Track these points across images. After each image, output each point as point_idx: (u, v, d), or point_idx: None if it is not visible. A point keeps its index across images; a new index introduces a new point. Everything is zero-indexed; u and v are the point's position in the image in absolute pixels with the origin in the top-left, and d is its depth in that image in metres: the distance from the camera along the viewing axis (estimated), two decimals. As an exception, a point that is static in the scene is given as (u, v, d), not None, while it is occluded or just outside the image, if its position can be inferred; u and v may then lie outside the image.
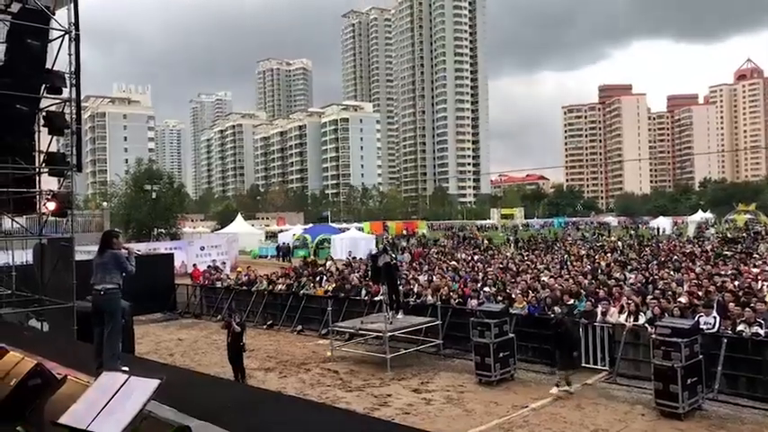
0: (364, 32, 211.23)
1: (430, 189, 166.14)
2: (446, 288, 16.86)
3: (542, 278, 18.56)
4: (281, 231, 61.91)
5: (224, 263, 30.82)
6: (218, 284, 23.29)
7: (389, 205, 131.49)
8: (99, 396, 3.11)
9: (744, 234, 43.62)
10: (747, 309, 11.99)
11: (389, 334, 13.86)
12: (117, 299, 7.09)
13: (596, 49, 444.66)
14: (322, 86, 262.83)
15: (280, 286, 20.72)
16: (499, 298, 15.38)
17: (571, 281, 16.93)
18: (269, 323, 19.66)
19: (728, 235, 42.65)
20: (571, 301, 14.21)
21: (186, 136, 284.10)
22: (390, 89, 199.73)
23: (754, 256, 25.96)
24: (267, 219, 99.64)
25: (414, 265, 25.65)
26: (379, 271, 15.13)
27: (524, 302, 14.81)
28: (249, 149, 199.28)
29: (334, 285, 19.51)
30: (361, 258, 29.50)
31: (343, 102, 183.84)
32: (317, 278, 21.54)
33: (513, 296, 15.41)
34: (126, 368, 5.35)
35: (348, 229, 56.23)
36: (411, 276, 20.09)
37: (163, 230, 45.64)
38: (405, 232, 67.57)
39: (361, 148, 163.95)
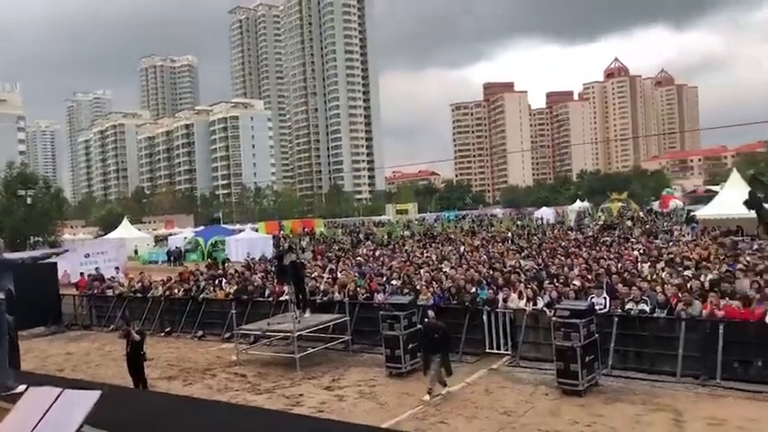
0: (252, 29, 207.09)
1: (325, 187, 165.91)
2: (352, 284, 16.89)
3: (444, 269, 19.04)
4: (171, 235, 59.42)
5: (117, 269, 29.07)
6: (110, 293, 21.96)
7: (284, 204, 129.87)
8: (26, 416, 2.79)
9: (618, 220, 46.98)
10: (633, 288, 12.91)
11: (298, 333, 13.67)
12: (2, 311, 6.51)
13: (479, 47, 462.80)
14: (209, 84, 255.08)
15: (177, 291, 19.86)
16: (405, 290, 15.59)
17: (471, 270, 17.47)
18: (167, 330, 18.81)
19: (606, 221, 45.81)
20: (474, 290, 14.68)
21: (61, 137, 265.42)
22: (281, 86, 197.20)
23: (631, 240, 28.03)
24: (155, 222, 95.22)
25: (318, 262, 25.47)
26: (284, 270, 14.89)
27: (429, 293, 15.11)
28: (132, 150, 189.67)
29: (235, 288, 18.96)
30: (266, 258, 28.90)
31: (232, 99, 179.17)
32: (217, 281, 20.85)
33: (419, 288, 15.68)
34: (23, 386, 4.92)
35: (243, 230, 54.92)
36: (316, 274, 19.93)
37: (40, 239, 42.42)
38: (303, 231, 66.96)
39: (253, 146, 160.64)
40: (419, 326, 13.14)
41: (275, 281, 17.99)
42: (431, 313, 12.21)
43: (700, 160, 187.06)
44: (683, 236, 29.39)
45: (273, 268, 20.23)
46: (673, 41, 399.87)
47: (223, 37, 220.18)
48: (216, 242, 46.46)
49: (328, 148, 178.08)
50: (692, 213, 37.47)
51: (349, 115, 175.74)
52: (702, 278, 14.29)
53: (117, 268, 29.34)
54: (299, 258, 17.39)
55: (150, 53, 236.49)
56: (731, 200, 28.25)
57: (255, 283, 19.10)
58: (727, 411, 9.46)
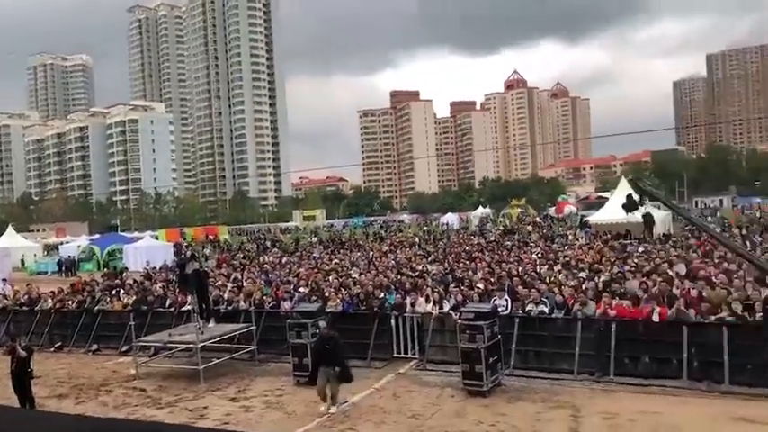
0: (153, 29, 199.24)
1: (230, 193, 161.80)
2: (258, 292, 16.53)
3: (352, 275, 19.04)
4: (63, 244, 55.81)
5: (4, 280, 26.97)
6: (-9, 306, 20.27)
7: (186, 211, 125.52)
8: None
9: (517, 226, 48.92)
10: (533, 290, 13.45)
11: (201, 344, 13.20)
12: None
13: (386, 55, 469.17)
14: (106, 86, 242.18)
15: (70, 303, 18.65)
16: (313, 297, 15.45)
17: (380, 275, 17.58)
18: (57, 345, 17.59)
19: (508, 227, 47.55)
20: (382, 295, 14.76)
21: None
22: (183, 89, 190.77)
23: (530, 244, 29.24)
24: (44, 230, 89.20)
25: (222, 271, 24.76)
26: (187, 279, 14.33)
27: (338, 300, 15.05)
28: (19, 153, 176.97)
29: (134, 298, 18.06)
30: (167, 266, 27.71)
31: (130, 102, 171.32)
32: (114, 291, 19.77)
33: (327, 294, 15.57)
34: None
35: (142, 238, 52.50)
36: (220, 283, 19.34)
37: None
38: (206, 238, 64.88)
39: (153, 150, 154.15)
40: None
41: (177, 290, 17.30)
42: (322, 324, 11.73)
43: (591, 169, 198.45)
44: (578, 240, 31.00)
45: (175, 277, 19.45)
46: (567, 55, 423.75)
47: (121, 37, 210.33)
48: (113, 251, 44.17)
49: (233, 153, 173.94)
50: (585, 218, 39.58)
51: (254, 120, 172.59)
52: (596, 280, 15.09)
53: (4, 280, 27.23)
54: (202, 267, 16.80)
55: (40, 51, 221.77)
56: (620, 206, 30.12)
57: (156, 293, 18.30)
58: (620, 405, 10.02)
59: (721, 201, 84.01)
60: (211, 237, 65.93)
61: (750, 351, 10.45)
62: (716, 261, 16.72)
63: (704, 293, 12.28)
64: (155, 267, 30.25)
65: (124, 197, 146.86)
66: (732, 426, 8.86)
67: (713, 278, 13.82)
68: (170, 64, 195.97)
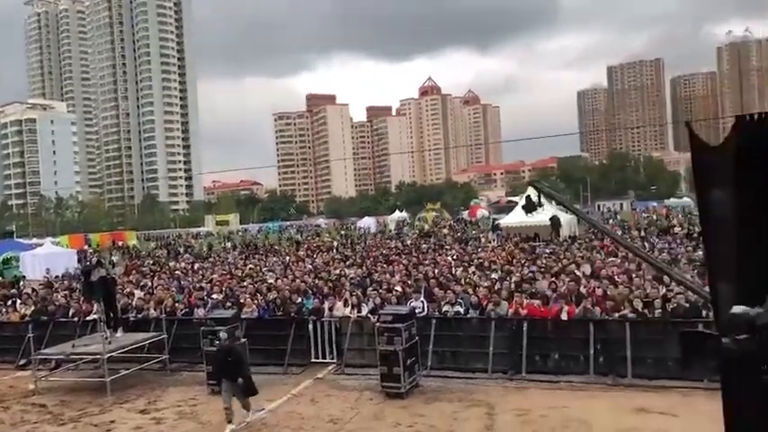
0: (53, 24, 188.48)
1: (138, 197, 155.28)
2: (170, 299, 15.94)
3: (268, 280, 18.73)
4: (-50, 251, 51.54)
5: None
6: None
7: (91, 216, 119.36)
8: None
9: (434, 229, 49.85)
10: (449, 291, 13.72)
11: (108, 355, 12.55)
12: None
13: (302, 58, 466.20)
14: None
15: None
16: (228, 304, 15.06)
17: (297, 280, 17.39)
18: (-56, 361, 16.23)
19: (424, 230, 48.35)
20: (299, 300, 14.61)
21: None
22: (88, 88, 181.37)
23: (445, 247, 29.84)
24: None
25: (130, 278, 23.69)
26: (93, 287, 13.59)
27: (253, 306, 14.75)
28: None
29: (33, 308, 16.95)
30: (70, 274, 26.17)
31: (28, 100, 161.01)
32: (10, 302, 18.48)
33: (242, 300, 15.23)
34: None
35: (41, 245, 49.37)
36: (128, 290, 18.50)
37: None
38: (112, 244, 61.90)
39: (54, 152, 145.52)
40: (243, 339, 12.78)
41: (82, 299, 16.39)
42: (223, 335, 10.94)
43: (502, 174, 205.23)
44: (490, 242, 31.94)
45: (80, 285, 18.42)
46: (478, 64, 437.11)
47: (17, 31, 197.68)
48: (8, 258, 41.23)
49: (141, 156, 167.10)
50: (497, 222, 40.83)
51: (165, 121, 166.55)
52: (508, 280, 15.59)
53: None
54: (109, 274, 16.00)
55: None
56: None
57: (57, 303, 17.25)
58: (532, 401, 10.38)
59: (621, 204, 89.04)
60: (119, 243, 63.02)
61: (650, 345, 11.10)
62: (618, 261, 17.68)
63: (608, 292, 12.96)
64: (57, 276, 28.55)
65: (21, 201, 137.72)
66: (634, 416, 9.37)
67: (616, 277, 14.62)
68: (72, 61, 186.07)
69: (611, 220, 48.78)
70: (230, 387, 9.96)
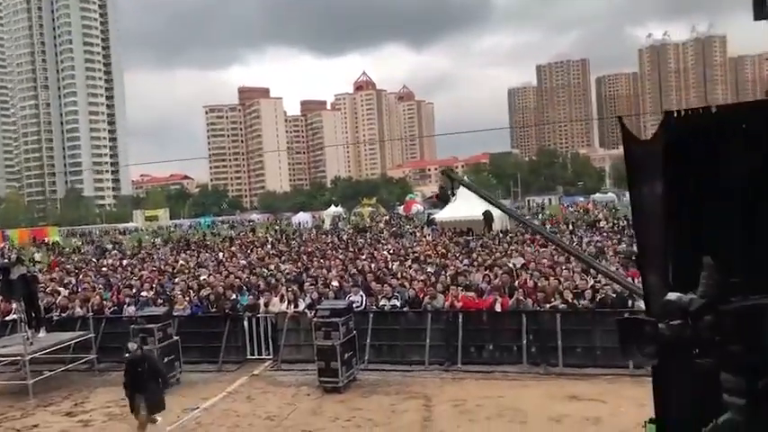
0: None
1: (61, 191, 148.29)
2: (97, 297, 15.32)
3: (201, 277, 18.30)
4: None
5: None
6: None
7: (9, 211, 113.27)
8: None
9: (371, 224, 50.02)
10: (386, 285, 13.79)
11: (30, 356, 11.95)
12: None
13: (233, 50, 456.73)
14: None
15: None
16: (159, 301, 14.62)
17: (231, 276, 17.07)
18: None
19: (360, 225, 48.43)
20: (234, 296, 14.35)
21: None
22: (3, 76, 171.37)
23: (381, 241, 29.99)
24: None
25: (53, 275, 22.60)
26: (12, 285, 12.88)
27: (185, 302, 14.39)
28: None
29: (-55, 309, 15.91)
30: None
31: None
32: None
33: (174, 298, 14.82)
34: None
35: (-46, 241, 46.53)
36: (52, 288, 17.65)
37: None
38: (33, 241, 58.96)
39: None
40: (176, 337, 12.47)
41: (1, 298, 15.52)
42: (132, 345, 9.65)
43: (436, 169, 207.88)
44: (426, 236, 32.31)
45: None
46: (413, 60, 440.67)
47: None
48: None
49: (64, 149, 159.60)
50: (432, 216, 41.35)
51: (89, 112, 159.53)
52: (443, 273, 15.81)
53: None
54: (29, 271, 15.23)
55: None
56: (462, 204, 31.81)
57: (-28, 303, 16.25)
58: (467, 392, 10.59)
59: (550, 200, 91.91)
60: (40, 239, 60.11)
61: (580, 335, 11.53)
62: (548, 254, 18.23)
63: (539, 284, 13.35)
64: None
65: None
66: (565, 403, 9.72)
67: (546, 269, 15.07)
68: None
69: (539, 215, 50.28)
70: (141, 400, 9.07)
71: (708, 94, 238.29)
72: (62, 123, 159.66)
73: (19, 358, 12.16)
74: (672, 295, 1.90)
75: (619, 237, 24.23)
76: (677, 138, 2.85)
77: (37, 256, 37.00)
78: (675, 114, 2.87)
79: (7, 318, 14.58)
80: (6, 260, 17.00)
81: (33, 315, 13.26)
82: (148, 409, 9.08)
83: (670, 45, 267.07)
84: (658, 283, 2.98)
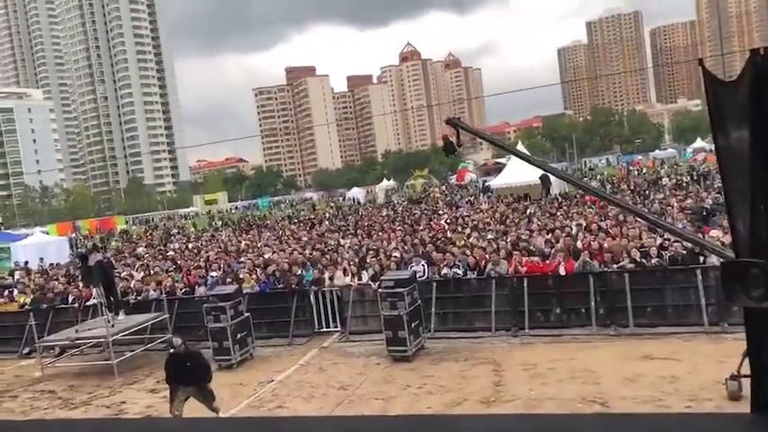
0: (20, 10, 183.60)
1: (123, 181, 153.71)
2: (169, 279, 15.93)
3: (265, 255, 18.74)
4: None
5: None
6: None
7: (77, 203, 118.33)
8: None
9: (423, 195, 49.92)
10: (447, 254, 13.80)
11: (112, 338, 12.59)
12: None
13: (275, 30, 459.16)
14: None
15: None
16: (228, 280, 15.08)
17: (296, 252, 17.42)
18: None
19: (413, 197, 48.44)
20: (299, 272, 14.65)
21: None
22: (63, 74, 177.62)
23: (438, 212, 29.93)
24: None
25: (127, 261, 23.63)
26: (90, 271, 13.54)
27: (253, 280, 14.79)
28: None
29: (31, 297, 16.89)
30: (68, 261, 25.97)
31: (2, 89, 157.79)
32: (7, 292, 18.40)
33: (242, 276, 15.26)
34: None
35: (30, 235, 48.97)
36: (125, 273, 18.47)
37: None
38: (99, 230, 61.55)
39: (34, 141, 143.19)
40: (246, 314, 12.84)
41: (81, 284, 16.35)
42: (176, 341, 9.36)
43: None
44: (482, 204, 32.04)
45: (77, 271, 18.37)
46: (457, 24, 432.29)
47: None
48: (-1, 249, 40.88)
49: (123, 140, 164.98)
50: (487, 183, 40.92)
51: (144, 102, 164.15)
52: (505, 239, 15.69)
53: None
54: (105, 257, 15.95)
55: None
56: (517, 170, 31.32)
57: (56, 290, 17.20)
58: (537, 356, 10.54)
59: (608, 159, 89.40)
60: (108, 228, 62.65)
61: (649, 294, 11.27)
62: (612, 214, 17.80)
63: (605, 245, 13.08)
64: (53, 264, 28.40)
65: (5, 192, 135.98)
66: (638, 363, 9.55)
67: (610, 230, 14.75)
68: (44, 46, 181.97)
69: (596, 177, 48.97)
70: (185, 395, 8.88)
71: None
72: (120, 116, 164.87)
73: (102, 340, 12.81)
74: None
75: (684, 193, 23.41)
76: (764, 76, 2.73)
77: (114, 244, 38.59)
78: (762, 51, 2.74)
79: (88, 303, 15.32)
80: (83, 249, 17.82)
81: (112, 299, 13.90)
82: (204, 401, 8.87)
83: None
84: (749, 227, 2.88)
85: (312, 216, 39.71)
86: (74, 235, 54.02)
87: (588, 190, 9.95)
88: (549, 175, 29.57)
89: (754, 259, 1.87)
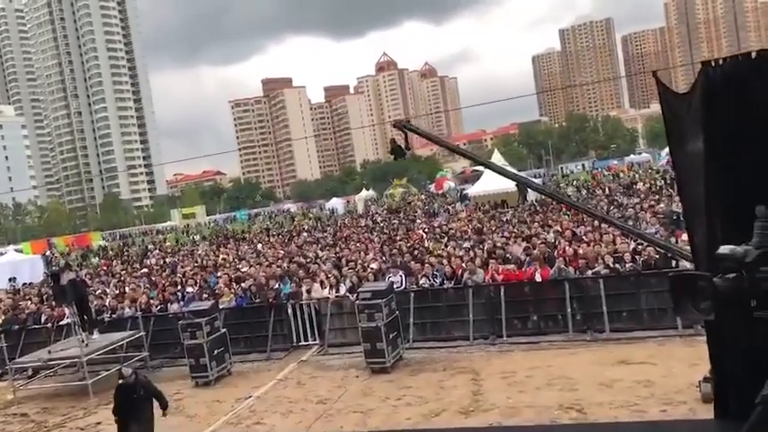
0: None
1: (99, 197, 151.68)
2: (144, 296, 15.71)
3: (242, 269, 18.60)
4: None
5: None
6: None
7: (52, 220, 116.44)
8: None
9: (402, 204, 49.99)
10: (425, 264, 13.81)
11: (87, 357, 12.36)
12: None
13: (252, 42, 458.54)
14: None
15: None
16: (204, 295, 14.92)
17: (272, 266, 17.31)
18: None
19: (391, 206, 48.47)
20: (276, 285, 14.55)
21: None
22: (35, 89, 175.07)
23: (416, 221, 29.97)
24: None
25: (101, 279, 23.28)
26: (63, 290, 13.29)
27: (230, 295, 14.66)
28: None
29: (2, 318, 16.55)
30: (41, 281, 25.53)
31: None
32: (-23, 313, 18.00)
33: (218, 291, 15.12)
34: None
35: (3, 253, 48.05)
36: (100, 291, 18.18)
37: None
38: (73, 246, 60.57)
39: (6, 158, 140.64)
40: (223, 330, 12.70)
41: (53, 304, 16.05)
42: (126, 370, 8.80)
43: (464, 144, 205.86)
44: (459, 212, 32.18)
45: (49, 290, 18.03)
46: (433, 34, 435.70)
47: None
48: (-30, 270, 40.00)
49: (98, 155, 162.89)
50: (465, 192, 41.12)
51: (119, 117, 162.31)
52: (481, 248, 15.74)
53: None
54: (78, 276, 15.68)
55: None
56: (494, 177, 31.51)
57: (28, 310, 16.86)
58: (515, 364, 10.57)
59: (583, 165, 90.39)
60: (83, 245, 61.70)
61: (624, 299, 11.39)
62: (587, 221, 17.96)
63: (580, 251, 13.19)
64: (26, 283, 27.88)
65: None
66: (615, 368, 9.63)
67: (585, 236, 14.89)
68: (15, 62, 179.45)
69: (574, 182, 49.44)
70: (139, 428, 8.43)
71: (741, 43, 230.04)
72: (94, 130, 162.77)
73: (76, 360, 12.57)
74: (724, 248, 1.86)
75: (657, 197, 23.73)
76: (716, 87, 2.79)
77: (94, 261, 37.99)
78: (713, 64, 2.79)
79: (62, 322, 15.04)
80: (56, 267, 17.52)
81: (86, 318, 13.66)
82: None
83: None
84: (706, 239, 2.92)
85: (291, 228, 39.51)
86: (49, 252, 53.14)
87: (559, 199, 10.06)
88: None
89: (700, 272, 1.89)
